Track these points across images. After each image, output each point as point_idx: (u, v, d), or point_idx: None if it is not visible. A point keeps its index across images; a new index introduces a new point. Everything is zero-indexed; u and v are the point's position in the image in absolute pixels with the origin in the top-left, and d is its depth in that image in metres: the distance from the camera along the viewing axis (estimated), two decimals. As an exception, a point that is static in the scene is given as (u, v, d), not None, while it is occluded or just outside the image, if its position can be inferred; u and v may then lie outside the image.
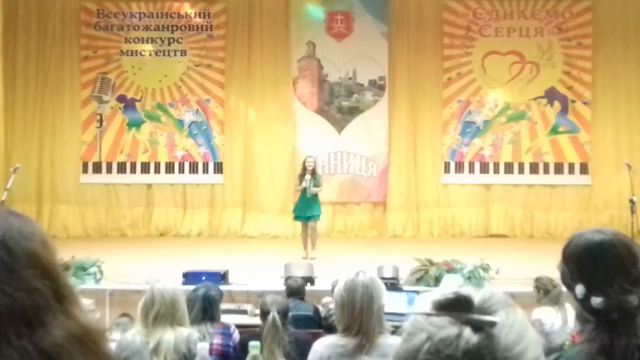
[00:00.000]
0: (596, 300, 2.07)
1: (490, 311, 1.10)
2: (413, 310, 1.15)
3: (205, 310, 5.14)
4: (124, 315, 6.56)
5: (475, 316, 1.08)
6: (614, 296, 2.06)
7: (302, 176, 12.03)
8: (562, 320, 5.66)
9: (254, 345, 3.67)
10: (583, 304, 2.11)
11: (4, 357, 1.04)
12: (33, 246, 1.13)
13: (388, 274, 8.71)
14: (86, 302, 6.54)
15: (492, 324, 1.07)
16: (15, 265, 1.09)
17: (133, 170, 15.43)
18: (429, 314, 1.10)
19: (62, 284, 1.14)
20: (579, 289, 2.11)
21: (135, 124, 15.49)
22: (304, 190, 11.92)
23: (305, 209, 11.98)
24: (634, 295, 2.07)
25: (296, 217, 12.27)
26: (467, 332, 1.07)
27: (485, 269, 9.08)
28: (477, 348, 1.06)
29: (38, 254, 1.13)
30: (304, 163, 12.24)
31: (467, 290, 1.12)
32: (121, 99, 15.51)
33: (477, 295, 1.11)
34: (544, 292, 6.22)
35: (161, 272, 8.72)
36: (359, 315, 3.33)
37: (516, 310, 1.13)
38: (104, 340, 1.17)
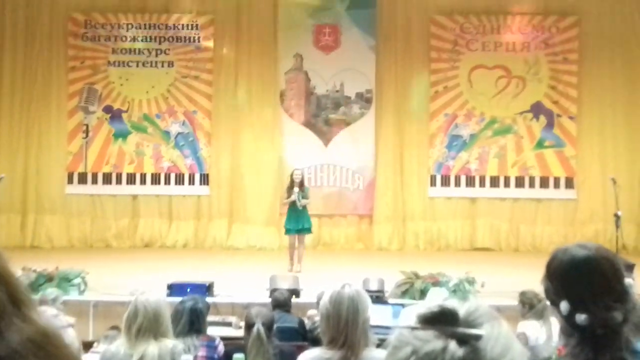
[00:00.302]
0: (580, 317, 2.07)
1: (475, 324, 1.09)
2: (398, 324, 1.14)
3: (192, 322, 5.11)
4: (114, 327, 6.50)
5: (461, 329, 1.07)
6: (598, 313, 2.06)
7: (290, 189, 12.02)
8: (546, 334, 5.67)
9: (238, 358, 3.65)
10: (567, 320, 2.11)
11: None
12: None
13: (374, 286, 8.71)
14: (67, 318, 6.49)
15: (478, 337, 1.07)
16: None
17: (119, 181, 15.37)
18: (414, 328, 1.10)
19: (17, 289, 1.13)
20: (564, 305, 2.11)
21: (122, 135, 15.44)
22: (293, 204, 11.91)
23: (296, 221, 11.96)
24: (618, 311, 2.06)
25: (287, 231, 12.17)
26: (453, 345, 1.06)
27: (471, 282, 9.09)
28: None
29: None
30: (291, 176, 12.23)
31: (452, 303, 1.11)
32: (108, 109, 15.46)
33: (462, 309, 1.10)
34: (529, 306, 6.23)
35: (146, 283, 8.69)
36: (344, 328, 3.31)
37: (501, 323, 1.13)
38: (63, 343, 1.15)
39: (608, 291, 2.09)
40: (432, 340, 1.07)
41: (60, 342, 1.14)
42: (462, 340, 1.06)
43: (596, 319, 2.05)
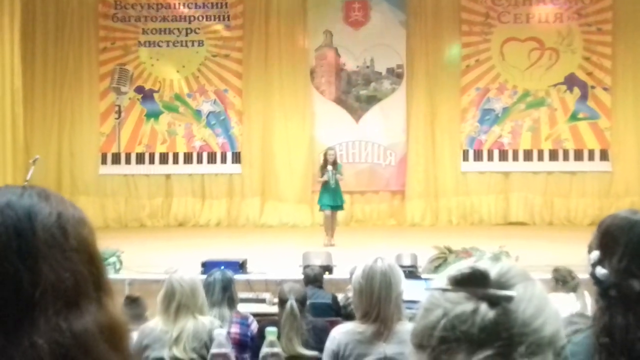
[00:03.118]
0: (601, 271, 2.06)
1: (507, 285, 1.07)
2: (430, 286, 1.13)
3: (225, 290, 5.19)
4: (133, 299, 6.38)
5: (492, 291, 1.06)
6: (618, 273, 2.05)
7: (323, 167, 12.08)
8: (581, 306, 5.63)
9: (270, 331, 3.68)
10: (592, 269, 2.11)
11: (40, 332, 1.07)
12: (85, 232, 1.18)
13: (407, 262, 8.68)
14: None
15: (509, 299, 1.05)
16: (67, 247, 1.13)
17: (152, 161, 15.48)
18: (445, 290, 1.08)
19: (102, 274, 1.18)
20: (594, 254, 2.11)
21: (154, 115, 15.53)
22: (327, 182, 11.97)
23: (331, 198, 12.05)
24: (637, 280, 2.04)
25: (322, 206, 12.29)
26: (484, 307, 1.04)
27: (505, 256, 9.04)
28: (494, 324, 1.04)
29: (88, 241, 1.18)
30: (325, 154, 12.28)
31: (484, 264, 1.09)
32: (139, 90, 15.55)
33: (493, 270, 1.09)
34: (562, 282, 6.19)
35: (180, 261, 8.76)
36: (377, 302, 3.32)
37: (535, 284, 1.11)
38: (128, 337, 1.20)
39: (638, 259, 2.07)
40: (462, 302, 1.06)
41: (126, 334, 1.19)
42: (493, 302, 1.05)
43: (613, 277, 2.04)
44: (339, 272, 8.69)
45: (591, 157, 15.05)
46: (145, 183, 15.43)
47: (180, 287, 4.30)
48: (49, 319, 1.08)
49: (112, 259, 9.22)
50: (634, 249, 2.08)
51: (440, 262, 9.16)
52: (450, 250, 9.39)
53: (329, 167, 11.92)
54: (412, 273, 8.06)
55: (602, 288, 2.06)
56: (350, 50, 15.40)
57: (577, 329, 2.11)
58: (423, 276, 8.21)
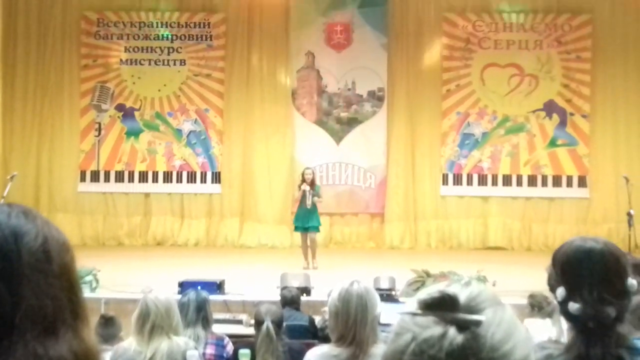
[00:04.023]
0: (574, 306, 2.06)
1: (477, 310, 1.07)
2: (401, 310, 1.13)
3: (199, 310, 5.16)
4: (108, 318, 6.29)
5: (460, 315, 1.05)
6: (591, 304, 2.05)
7: (301, 186, 12.08)
8: (557, 332, 5.64)
9: (243, 353, 3.65)
10: (562, 307, 2.10)
11: (16, 356, 1.07)
12: (67, 259, 1.18)
13: (385, 284, 8.69)
14: None
15: (478, 323, 1.05)
16: (50, 272, 1.13)
17: (131, 179, 15.42)
18: (415, 314, 1.08)
19: (80, 301, 1.18)
20: (560, 291, 2.10)
21: (134, 133, 15.49)
22: (302, 202, 11.95)
23: (304, 219, 12.01)
24: (612, 307, 2.05)
25: (296, 228, 12.34)
26: (452, 331, 1.04)
27: (482, 280, 9.06)
28: (462, 348, 1.03)
29: (70, 267, 1.18)
30: (302, 174, 12.28)
31: (453, 288, 1.09)
32: (120, 107, 15.51)
33: (463, 294, 1.08)
34: (538, 308, 6.20)
35: (157, 281, 8.72)
36: (353, 325, 3.30)
37: (505, 309, 1.11)
38: None
39: (606, 284, 2.08)
40: (431, 327, 1.05)
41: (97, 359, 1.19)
42: (462, 326, 1.05)
43: (589, 310, 2.04)
44: (317, 294, 8.67)
45: (569, 183, 15.15)
46: (124, 201, 15.36)
47: (155, 307, 4.27)
48: (27, 344, 1.08)
49: (89, 278, 9.16)
50: (599, 276, 2.09)
51: (418, 285, 9.15)
52: (428, 274, 9.40)
53: (304, 186, 11.91)
54: (389, 296, 8.06)
55: (579, 322, 2.06)
56: (331, 72, 15.46)
57: (549, 355, 2.11)
58: (401, 299, 8.21)
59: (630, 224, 11.14)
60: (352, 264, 12.03)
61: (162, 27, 15.51)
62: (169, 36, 15.46)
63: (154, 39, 15.52)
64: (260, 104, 15.43)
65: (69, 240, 1.21)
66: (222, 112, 15.54)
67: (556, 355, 2.11)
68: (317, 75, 15.51)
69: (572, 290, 2.08)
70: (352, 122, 15.43)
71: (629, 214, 11.14)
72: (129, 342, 4.37)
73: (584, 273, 2.09)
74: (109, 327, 5.88)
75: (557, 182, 15.15)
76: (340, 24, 15.49)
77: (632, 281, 2.12)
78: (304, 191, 11.89)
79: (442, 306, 1.07)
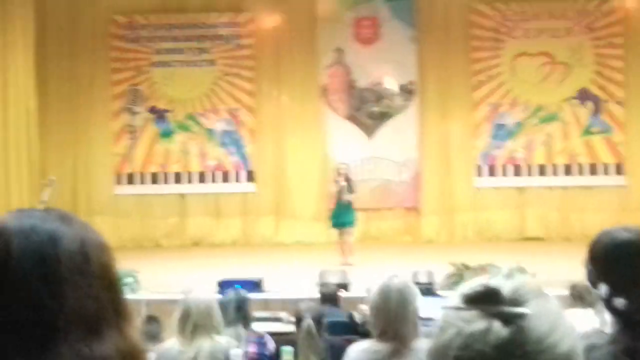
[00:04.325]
0: (619, 302, 2.04)
1: (520, 302, 1.07)
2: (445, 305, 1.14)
3: (239, 309, 5.20)
4: (151, 319, 6.51)
5: (504, 308, 1.06)
6: (637, 298, 2.03)
7: (336, 182, 12.13)
8: (599, 322, 5.59)
9: (287, 351, 3.69)
10: (607, 304, 2.09)
11: (63, 358, 1.09)
12: (106, 258, 1.20)
13: (423, 279, 8.67)
14: None
15: (522, 316, 1.05)
16: (89, 273, 1.15)
17: (166, 181, 15.54)
18: (459, 308, 1.09)
19: (121, 300, 1.20)
20: (603, 288, 2.09)
21: (167, 135, 15.60)
22: (338, 197, 11.99)
23: (340, 215, 12.07)
24: None
25: (332, 224, 12.36)
26: (497, 325, 1.05)
27: (521, 272, 9.01)
28: (507, 342, 1.04)
29: (108, 267, 1.20)
30: (337, 169, 12.33)
31: (496, 281, 1.09)
32: (152, 110, 15.63)
33: (506, 287, 1.09)
34: (580, 298, 6.14)
35: (196, 281, 8.76)
36: (393, 320, 3.32)
37: (549, 300, 1.11)
38: None
39: None
40: (475, 321, 1.06)
41: (143, 358, 1.21)
42: (507, 319, 1.05)
43: (635, 304, 2.03)
44: (355, 290, 8.68)
45: (606, 171, 14.99)
46: (160, 203, 15.47)
47: (196, 307, 4.33)
48: (72, 346, 1.10)
49: (129, 279, 9.25)
50: None
51: (456, 278, 9.14)
52: (466, 267, 9.38)
53: (342, 183, 11.96)
54: (428, 290, 8.03)
55: (625, 317, 2.04)
56: (361, 67, 15.44)
57: (592, 345, 2.10)
58: (439, 293, 8.19)
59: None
60: (389, 258, 12.01)
61: (188, 29, 15.58)
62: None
63: (183, 40, 15.61)
64: (291, 101, 15.46)
65: (106, 241, 1.23)
66: (253, 111, 15.59)
67: (600, 345, 2.10)
68: (347, 71, 15.49)
69: (615, 286, 2.07)
70: (383, 117, 15.39)
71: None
72: (172, 342, 4.42)
73: (624, 268, 2.08)
74: (153, 327, 5.96)
75: (593, 170, 15.00)
76: (367, 19, 15.45)
77: None
78: (340, 186, 11.92)
79: (486, 300, 1.07)
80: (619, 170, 14.96)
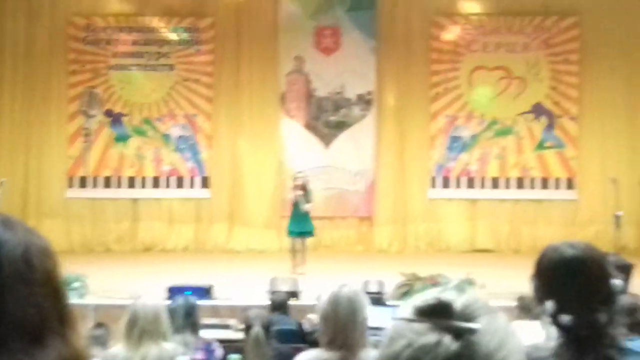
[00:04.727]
0: (565, 319, 2.06)
1: (471, 317, 1.07)
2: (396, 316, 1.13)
3: (188, 316, 5.17)
4: (99, 325, 6.49)
5: (455, 323, 1.06)
6: (583, 314, 2.05)
7: (294, 191, 12.11)
8: (546, 334, 5.65)
9: (234, 358, 3.65)
10: (552, 319, 2.10)
11: None
12: (50, 265, 1.16)
13: (373, 288, 8.70)
14: None
15: (473, 331, 1.05)
16: (33, 281, 1.11)
17: (119, 185, 15.38)
18: (410, 320, 1.08)
19: (66, 307, 1.17)
20: (549, 305, 2.10)
21: (122, 139, 15.45)
22: (296, 206, 11.96)
23: (299, 224, 12.02)
24: (603, 313, 2.06)
25: (289, 233, 12.29)
26: (447, 339, 1.05)
27: (471, 283, 9.08)
28: (456, 356, 1.04)
29: (53, 274, 1.16)
30: (294, 179, 12.33)
31: (449, 295, 1.09)
32: (108, 113, 15.47)
33: (458, 301, 1.09)
34: (527, 311, 6.21)
35: (146, 287, 8.68)
36: (342, 329, 3.30)
37: (499, 316, 1.11)
38: None
39: (593, 292, 2.08)
40: (426, 334, 1.06)
41: None
42: (457, 333, 1.05)
43: (580, 320, 2.05)
44: (306, 298, 8.66)
45: (557, 185, 15.21)
46: (112, 207, 15.30)
47: (144, 313, 4.29)
48: (13, 356, 1.06)
49: (77, 284, 9.12)
50: (585, 285, 2.09)
51: (406, 289, 9.18)
52: (417, 277, 9.41)
53: (299, 192, 11.94)
54: (378, 300, 8.06)
55: (571, 333, 2.06)
56: (320, 76, 15.46)
57: (537, 359, 2.11)
58: (389, 303, 8.22)
59: (617, 226, 11.18)
60: (341, 267, 12.02)
61: (147, 32, 15.47)
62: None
63: (143, 44, 15.49)
64: (249, 108, 15.42)
65: (51, 246, 1.19)
66: (210, 117, 15.52)
67: (544, 358, 2.11)
68: (306, 79, 15.51)
69: (561, 303, 2.08)
70: (341, 126, 15.43)
71: (616, 216, 11.18)
72: (118, 348, 4.36)
73: (569, 284, 2.10)
74: (101, 334, 5.90)
75: (545, 184, 15.20)
76: (329, 28, 15.50)
77: (615, 281, 2.13)
78: (297, 195, 11.90)
79: (438, 313, 1.07)
80: (570, 184, 15.18)
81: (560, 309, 2.08)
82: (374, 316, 3.48)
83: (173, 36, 15.51)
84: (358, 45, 15.41)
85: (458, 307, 1.08)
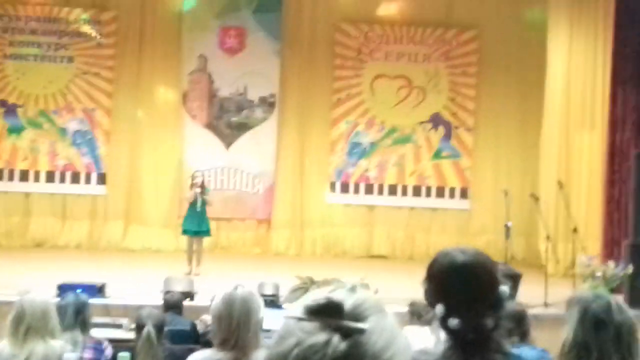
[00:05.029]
0: (453, 322, 2.12)
1: (361, 317, 1.09)
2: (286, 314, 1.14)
3: (77, 314, 5.06)
4: None
5: (344, 322, 1.07)
6: (470, 318, 2.11)
7: (191, 189, 11.99)
8: (435, 340, 5.76)
9: (122, 356, 3.60)
10: (441, 323, 2.16)
11: None
12: None
13: (269, 291, 8.72)
14: None
15: (361, 331, 1.07)
16: None
17: (11, 178, 14.90)
18: (300, 319, 1.09)
19: None
20: (439, 308, 2.16)
21: (16, 130, 14.98)
22: (192, 205, 11.85)
23: (194, 223, 11.89)
24: (489, 318, 2.12)
25: (184, 231, 12.13)
26: (336, 339, 1.06)
27: (364, 288, 9.18)
28: (344, 356, 1.05)
29: None
30: (192, 177, 12.21)
31: (339, 295, 1.11)
32: (2, 104, 14.97)
33: (348, 301, 1.10)
34: (418, 316, 6.32)
35: (36, 283, 8.45)
36: (235, 329, 3.30)
37: (387, 317, 1.13)
38: None
39: (481, 298, 2.15)
40: (316, 333, 1.07)
41: None
42: (346, 333, 1.06)
43: (468, 324, 2.11)
44: (201, 299, 8.60)
45: (452, 194, 15.56)
46: (2, 200, 14.81)
47: (31, 309, 4.19)
48: None
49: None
50: (474, 291, 2.15)
51: (301, 292, 9.21)
52: (312, 281, 9.48)
53: (196, 190, 11.84)
54: (273, 302, 8.09)
55: (459, 336, 2.12)
56: (224, 77, 15.38)
57: None
58: (284, 306, 8.25)
59: (507, 236, 11.52)
60: (237, 269, 11.98)
61: (47, 22, 15.05)
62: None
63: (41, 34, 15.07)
64: (149, 106, 15.21)
65: None
66: (110, 112, 15.22)
67: None
68: (209, 79, 15.40)
69: (450, 306, 2.14)
70: (242, 127, 15.39)
71: (506, 227, 11.52)
72: (3, 344, 4.25)
73: (459, 289, 2.16)
74: None
75: (440, 193, 15.53)
76: (234, 28, 15.43)
77: (503, 288, 2.20)
78: (195, 194, 11.80)
79: (327, 312, 1.08)
80: (464, 194, 15.56)
81: (449, 313, 2.13)
82: (268, 318, 3.48)
83: (74, 27, 15.12)
84: (262, 47, 15.41)
85: (348, 306, 1.10)
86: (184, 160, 15.11)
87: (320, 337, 1.07)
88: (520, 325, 4.83)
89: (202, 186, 11.96)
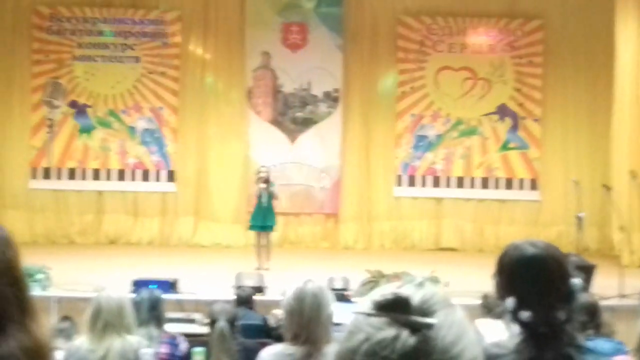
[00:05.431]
0: (525, 315, 2.11)
1: (429, 312, 1.10)
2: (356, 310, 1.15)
3: (152, 309, 5.15)
4: (65, 318, 6.46)
5: (413, 318, 1.08)
6: (542, 311, 2.10)
7: (257, 184, 12.11)
8: (509, 333, 5.71)
9: (197, 352, 3.66)
10: (513, 315, 2.15)
11: None
12: (10, 254, 1.17)
13: (338, 285, 8.74)
14: None
15: (430, 326, 1.08)
16: None
17: (83, 177, 15.25)
18: (369, 314, 1.11)
19: (27, 297, 1.17)
20: (510, 301, 2.15)
21: (87, 130, 15.32)
22: (259, 200, 11.96)
23: (260, 218, 12.01)
24: (561, 311, 2.11)
25: (251, 227, 12.31)
26: (405, 334, 1.07)
27: (435, 281, 9.15)
28: (413, 351, 1.06)
29: (13, 263, 1.16)
30: (257, 172, 12.33)
31: (407, 290, 1.12)
32: (73, 104, 15.32)
33: (416, 296, 1.11)
34: (490, 309, 6.27)
35: (110, 280, 8.64)
36: (307, 324, 3.32)
37: (456, 311, 1.14)
38: (51, 356, 1.17)
39: (553, 290, 2.13)
40: (384, 328, 1.08)
41: (49, 355, 1.18)
42: (414, 328, 1.07)
43: (539, 317, 2.10)
44: (271, 294, 8.69)
45: (521, 186, 15.37)
46: (76, 199, 15.16)
47: (108, 305, 4.27)
48: None
49: (40, 276, 9.04)
50: (545, 283, 2.14)
51: (371, 285, 9.21)
52: (381, 275, 9.47)
53: (261, 185, 11.94)
54: (343, 296, 8.10)
55: (531, 329, 2.11)
56: (287, 72, 15.46)
57: (497, 355, 2.15)
58: (354, 300, 8.26)
59: (579, 228, 11.32)
60: (306, 264, 12.05)
61: (113, 24, 15.34)
62: (112, 35, 15.31)
63: (103, 35, 15.37)
64: (215, 103, 15.38)
65: (10, 235, 1.19)
66: (176, 110, 15.44)
67: (504, 355, 2.16)
68: (273, 75, 15.49)
69: (521, 299, 2.13)
70: (307, 123, 15.45)
71: (578, 217, 11.32)
72: (81, 340, 4.34)
73: (530, 282, 2.14)
74: (67, 326, 5.87)
75: (508, 184, 15.35)
76: (296, 24, 15.50)
77: (574, 281, 2.18)
78: (261, 189, 11.91)
79: (395, 308, 1.09)
80: (533, 185, 15.34)
81: (520, 306, 2.13)
82: (338, 312, 3.50)
83: (139, 28, 15.38)
84: (325, 42, 15.43)
85: (416, 302, 1.10)
86: (250, 156, 15.24)
87: (389, 332, 1.07)
88: (593, 317, 4.76)
89: (267, 181, 12.05)
